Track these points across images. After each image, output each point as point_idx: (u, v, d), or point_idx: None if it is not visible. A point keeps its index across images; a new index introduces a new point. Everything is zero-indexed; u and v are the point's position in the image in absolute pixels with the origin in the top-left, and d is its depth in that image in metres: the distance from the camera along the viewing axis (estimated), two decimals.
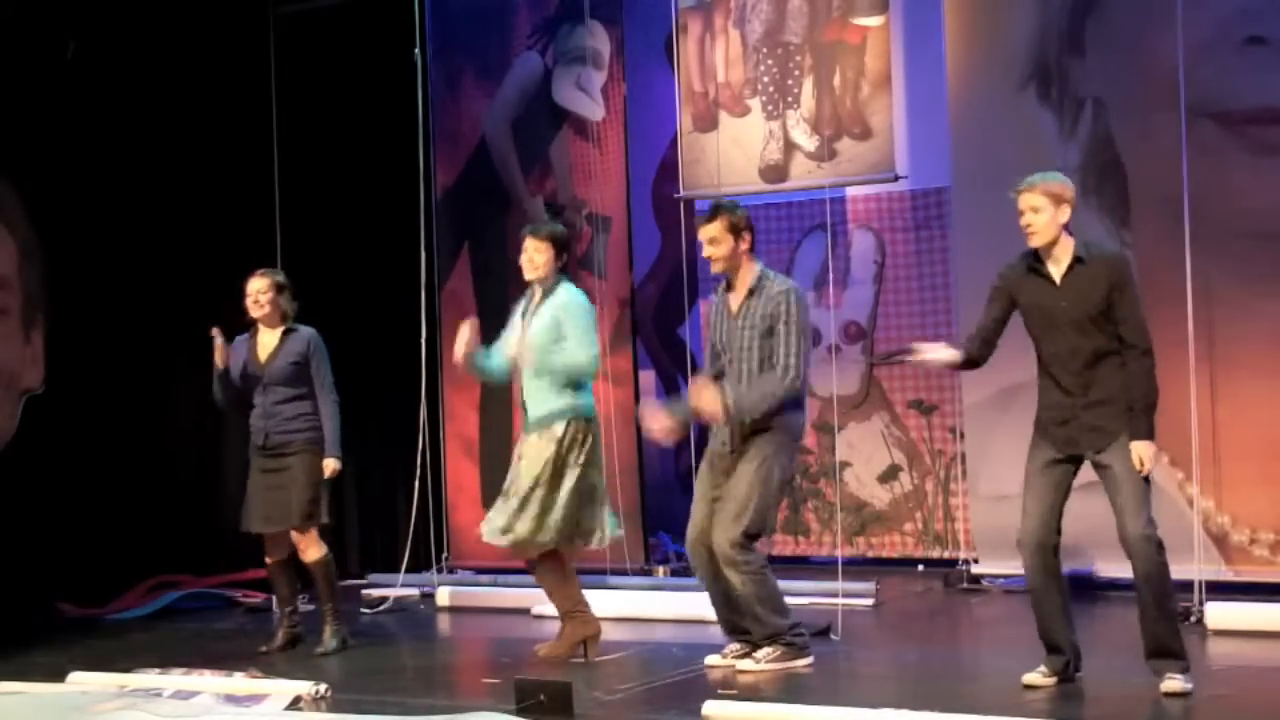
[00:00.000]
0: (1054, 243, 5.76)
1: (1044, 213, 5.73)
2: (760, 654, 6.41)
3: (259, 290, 7.40)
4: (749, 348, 6.40)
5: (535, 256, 6.89)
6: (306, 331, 7.44)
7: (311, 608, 7.90)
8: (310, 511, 7.30)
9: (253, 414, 7.42)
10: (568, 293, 6.90)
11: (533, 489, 6.74)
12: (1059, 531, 5.83)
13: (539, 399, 6.82)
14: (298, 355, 7.36)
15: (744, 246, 6.49)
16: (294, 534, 7.35)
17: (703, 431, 9.03)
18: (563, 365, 6.76)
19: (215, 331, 7.37)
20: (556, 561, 6.90)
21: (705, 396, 6.37)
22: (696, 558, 6.51)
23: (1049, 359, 5.82)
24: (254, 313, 7.41)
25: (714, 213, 6.51)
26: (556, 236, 6.96)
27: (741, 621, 6.50)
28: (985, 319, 5.98)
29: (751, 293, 6.46)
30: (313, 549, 7.36)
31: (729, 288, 6.56)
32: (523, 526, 6.74)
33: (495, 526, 6.81)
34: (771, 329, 6.37)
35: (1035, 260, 5.83)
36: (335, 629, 7.39)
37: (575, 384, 6.82)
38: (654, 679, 6.39)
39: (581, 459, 6.78)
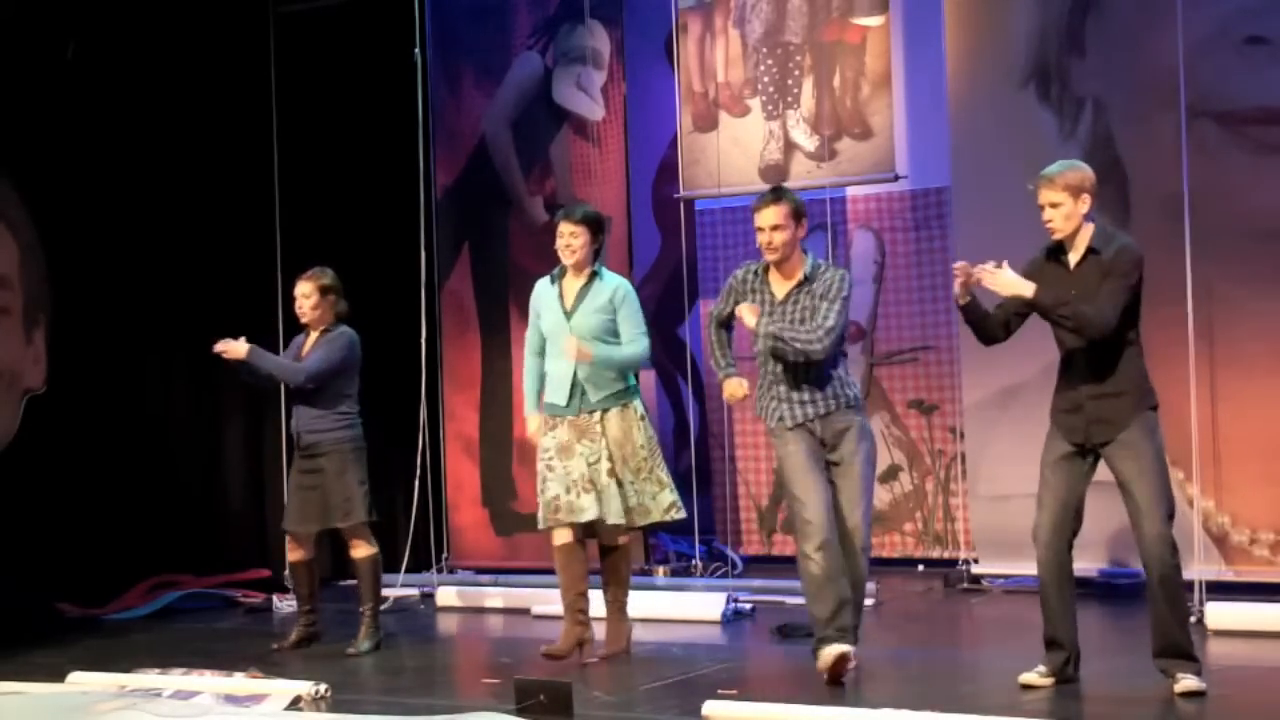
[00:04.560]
0: (1075, 233, 5.73)
1: (1063, 206, 5.70)
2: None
3: (303, 294, 7.35)
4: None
5: (572, 241, 6.75)
6: (341, 332, 7.38)
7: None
8: (347, 510, 7.27)
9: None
10: (617, 279, 6.82)
11: (640, 466, 6.71)
12: (1075, 527, 5.82)
13: (601, 380, 6.71)
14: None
15: (802, 234, 6.34)
16: (344, 532, 7.37)
17: (702, 434, 9.05)
18: (620, 359, 6.70)
19: (221, 345, 7.24)
20: (583, 551, 6.83)
21: (747, 314, 6.19)
22: (830, 555, 6.21)
23: (1062, 348, 5.80)
24: (301, 318, 7.37)
25: (777, 196, 6.30)
26: (592, 219, 6.81)
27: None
28: (999, 303, 5.91)
29: (807, 279, 6.28)
30: (360, 547, 7.35)
31: (770, 275, 6.35)
32: (644, 504, 6.71)
33: (616, 510, 6.65)
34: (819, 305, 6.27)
35: (1059, 248, 5.80)
36: (371, 630, 7.35)
37: None
38: (654, 679, 6.38)
39: (654, 435, 6.81)
